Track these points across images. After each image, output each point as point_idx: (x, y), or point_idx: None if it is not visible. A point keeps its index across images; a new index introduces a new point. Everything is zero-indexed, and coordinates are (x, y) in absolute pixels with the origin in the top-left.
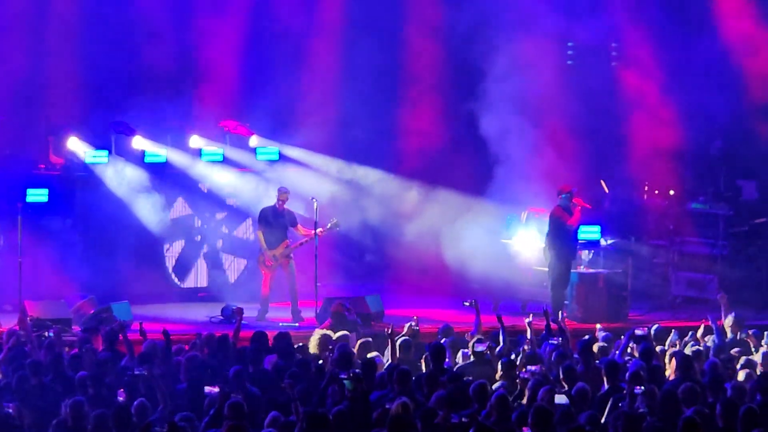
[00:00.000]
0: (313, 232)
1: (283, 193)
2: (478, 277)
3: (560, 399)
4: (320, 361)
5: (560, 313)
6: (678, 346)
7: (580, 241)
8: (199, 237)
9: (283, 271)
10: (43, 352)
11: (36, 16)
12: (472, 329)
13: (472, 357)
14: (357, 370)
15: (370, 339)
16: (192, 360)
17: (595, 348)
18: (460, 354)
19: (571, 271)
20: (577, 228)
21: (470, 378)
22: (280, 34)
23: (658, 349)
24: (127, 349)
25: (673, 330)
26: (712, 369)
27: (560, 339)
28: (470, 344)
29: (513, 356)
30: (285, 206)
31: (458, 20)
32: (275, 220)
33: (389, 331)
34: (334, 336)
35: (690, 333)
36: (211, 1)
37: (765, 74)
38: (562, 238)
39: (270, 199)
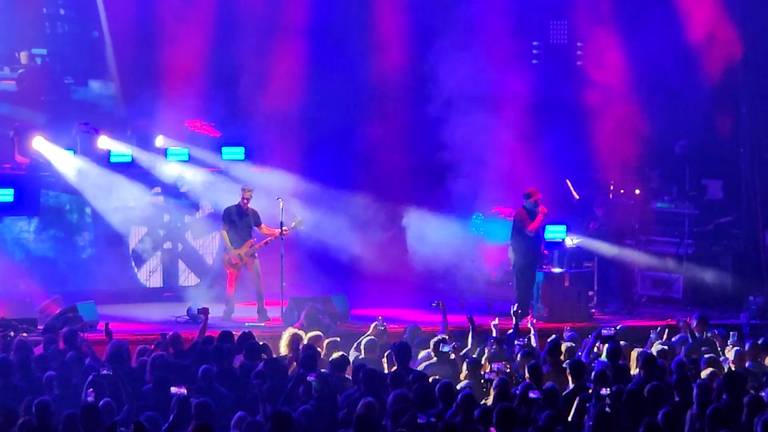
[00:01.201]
0: (277, 231)
1: (248, 191)
2: (444, 276)
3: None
4: (287, 361)
5: (527, 312)
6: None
7: (546, 241)
8: (168, 242)
9: (248, 271)
10: (12, 352)
11: None
12: (439, 329)
13: (434, 357)
14: (323, 371)
15: (338, 339)
16: (157, 360)
17: (563, 348)
18: (423, 353)
19: (536, 271)
20: (543, 230)
21: (436, 378)
22: (245, 33)
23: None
24: (87, 349)
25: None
26: (678, 368)
27: (525, 339)
28: (431, 343)
29: (477, 356)
30: (249, 206)
31: (418, 25)
32: (239, 219)
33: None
34: (305, 336)
35: (652, 332)
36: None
37: (724, 69)
38: (524, 239)
39: (235, 198)
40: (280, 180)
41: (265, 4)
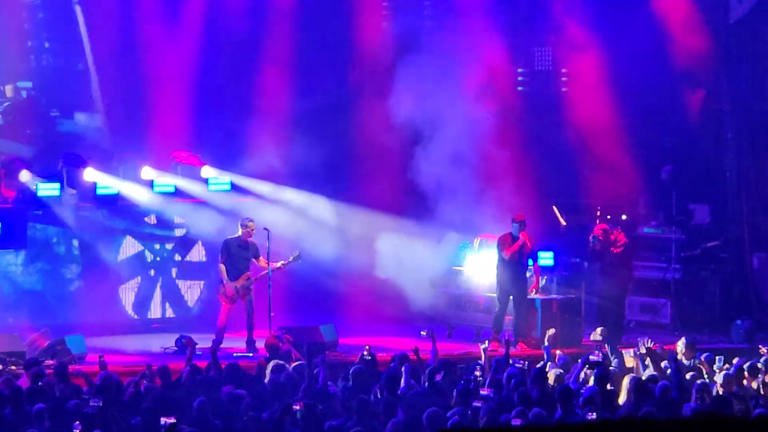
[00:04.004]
0: (275, 264)
1: (250, 222)
2: (432, 304)
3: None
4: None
5: (498, 337)
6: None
7: (541, 267)
8: (153, 271)
9: (242, 302)
10: (1, 385)
11: None
12: (429, 357)
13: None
14: (308, 401)
15: (305, 363)
16: (147, 391)
17: (552, 374)
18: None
19: (516, 296)
20: (526, 256)
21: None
22: (230, 63)
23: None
24: (86, 381)
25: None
26: (662, 393)
27: (525, 363)
28: (427, 372)
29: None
30: (250, 239)
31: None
32: (238, 253)
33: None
34: (268, 366)
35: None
36: (160, 31)
37: (709, 93)
38: (504, 264)
39: (230, 229)
40: (268, 209)
41: (249, 30)
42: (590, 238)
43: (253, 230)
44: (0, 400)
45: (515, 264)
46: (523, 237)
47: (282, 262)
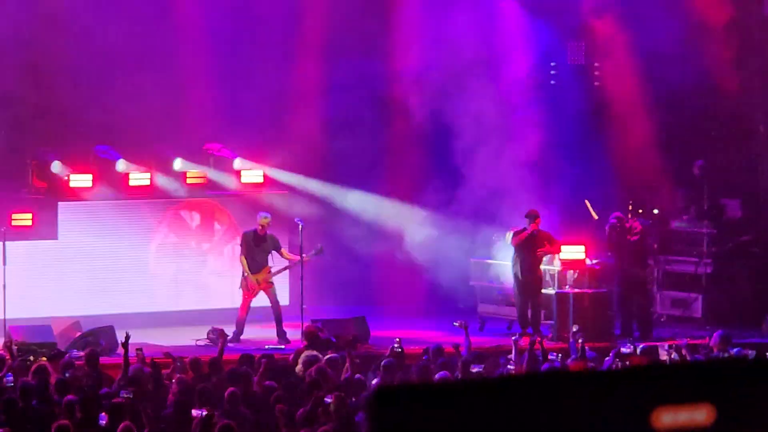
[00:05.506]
0: (298, 257)
1: (264, 218)
2: (463, 298)
3: None
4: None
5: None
6: None
7: (564, 260)
8: (184, 262)
9: (266, 296)
10: (31, 375)
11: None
12: (462, 350)
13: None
14: (340, 393)
15: (338, 356)
16: (179, 383)
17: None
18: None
19: (523, 288)
20: (535, 246)
21: None
22: (262, 55)
23: None
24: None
25: None
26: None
27: (559, 356)
28: (460, 364)
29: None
30: (268, 231)
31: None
32: (256, 245)
33: None
34: (300, 357)
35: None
36: (192, 22)
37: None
38: (516, 257)
39: (255, 222)
40: (299, 203)
41: (284, 21)
42: (606, 227)
43: (265, 226)
44: (29, 391)
45: (524, 256)
46: (533, 228)
47: (305, 256)
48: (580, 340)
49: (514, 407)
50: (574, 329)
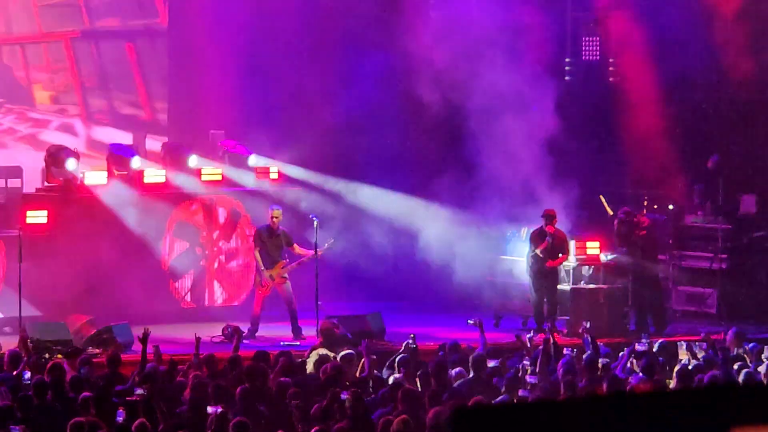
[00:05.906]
0: (311, 252)
1: (276, 210)
2: (478, 294)
3: None
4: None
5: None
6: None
7: (580, 257)
8: (200, 259)
9: (280, 292)
10: (46, 373)
11: None
12: (478, 347)
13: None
14: (356, 389)
15: (353, 353)
16: (193, 380)
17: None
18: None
19: (543, 285)
20: (556, 247)
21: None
22: (279, 51)
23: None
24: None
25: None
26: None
27: (574, 351)
28: (471, 360)
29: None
30: (281, 227)
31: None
32: (270, 240)
33: None
34: (331, 356)
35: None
36: (207, 20)
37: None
38: (535, 256)
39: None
40: (313, 198)
41: (302, 17)
42: (614, 222)
43: (276, 219)
44: (44, 388)
45: (546, 257)
46: (550, 230)
47: (318, 249)
48: (586, 335)
49: (592, 428)
50: (586, 325)
